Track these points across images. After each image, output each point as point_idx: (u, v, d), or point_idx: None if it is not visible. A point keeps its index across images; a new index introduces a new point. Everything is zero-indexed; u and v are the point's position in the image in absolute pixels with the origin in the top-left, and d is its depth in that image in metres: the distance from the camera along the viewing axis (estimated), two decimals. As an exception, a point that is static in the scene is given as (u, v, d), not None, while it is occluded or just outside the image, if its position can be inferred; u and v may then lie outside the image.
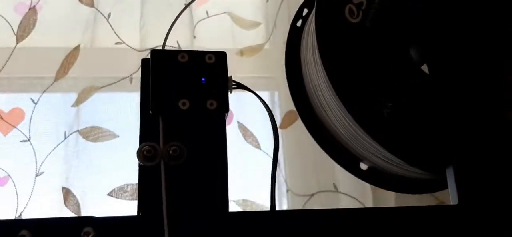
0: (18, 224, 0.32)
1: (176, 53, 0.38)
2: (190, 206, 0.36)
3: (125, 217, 0.35)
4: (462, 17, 0.45)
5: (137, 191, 0.38)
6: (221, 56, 0.39)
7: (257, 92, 0.96)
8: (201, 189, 0.36)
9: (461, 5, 0.45)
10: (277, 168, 0.86)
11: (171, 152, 0.36)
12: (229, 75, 0.39)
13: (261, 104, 0.45)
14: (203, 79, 0.38)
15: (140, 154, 0.36)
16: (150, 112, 0.37)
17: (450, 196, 0.40)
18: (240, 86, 0.40)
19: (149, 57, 0.39)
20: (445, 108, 0.42)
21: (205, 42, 0.90)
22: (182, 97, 0.37)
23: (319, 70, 0.45)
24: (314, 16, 0.44)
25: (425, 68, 0.45)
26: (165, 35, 0.44)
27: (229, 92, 0.39)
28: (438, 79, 0.44)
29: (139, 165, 0.36)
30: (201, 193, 0.36)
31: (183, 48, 0.86)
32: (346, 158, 0.48)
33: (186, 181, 0.36)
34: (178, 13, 0.47)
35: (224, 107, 0.38)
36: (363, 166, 0.48)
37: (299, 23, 0.51)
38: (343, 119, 0.44)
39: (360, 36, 0.44)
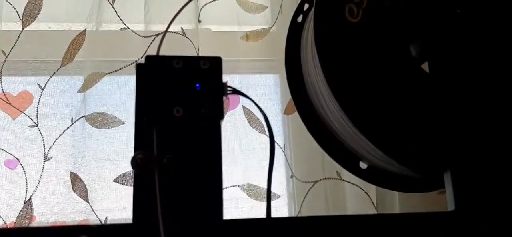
0: (14, 233, 0.33)
1: (171, 59, 0.38)
2: (185, 214, 0.36)
3: (120, 224, 0.35)
4: (465, 16, 0.43)
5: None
6: (216, 62, 0.38)
7: (262, 75, 0.95)
8: (195, 197, 0.36)
9: (464, 3, 0.44)
10: (282, 153, 0.86)
11: (165, 160, 0.36)
12: (224, 81, 0.39)
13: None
14: (197, 85, 0.37)
15: (134, 162, 0.36)
16: (144, 121, 0.37)
17: (447, 201, 0.40)
18: (236, 92, 0.40)
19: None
20: (444, 110, 0.41)
21: (211, 27, 0.89)
22: (177, 105, 0.37)
23: (317, 69, 0.44)
24: (313, 16, 0.43)
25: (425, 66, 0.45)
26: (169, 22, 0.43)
27: (224, 98, 0.38)
28: (439, 78, 0.43)
29: (134, 173, 0.36)
30: (196, 201, 0.36)
31: (187, 32, 0.86)
32: (345, 157, 0.48)
33: (181, 189, 0.36)
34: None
35: (218, 114, 0.37)
36: (363, 165, 0.48)
37: (299, 19, 0.50)
38: (341, 119, 0.44)
39: (359, 36, 0.43)
